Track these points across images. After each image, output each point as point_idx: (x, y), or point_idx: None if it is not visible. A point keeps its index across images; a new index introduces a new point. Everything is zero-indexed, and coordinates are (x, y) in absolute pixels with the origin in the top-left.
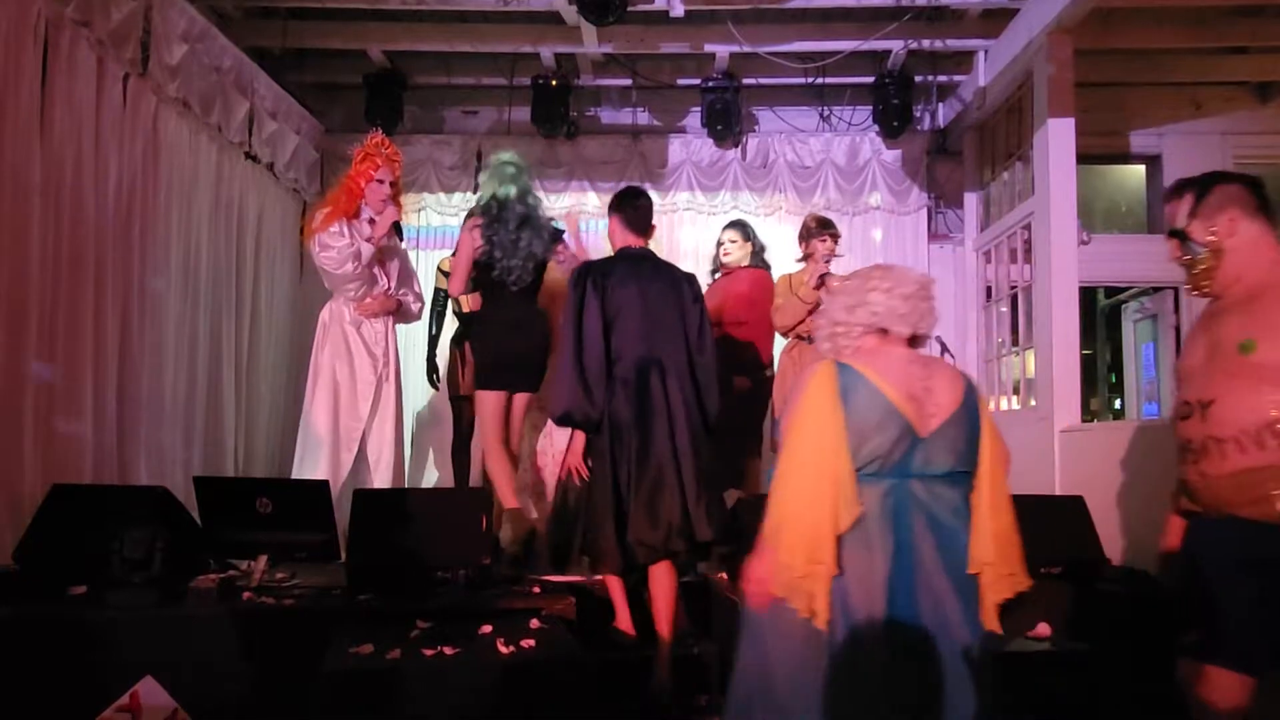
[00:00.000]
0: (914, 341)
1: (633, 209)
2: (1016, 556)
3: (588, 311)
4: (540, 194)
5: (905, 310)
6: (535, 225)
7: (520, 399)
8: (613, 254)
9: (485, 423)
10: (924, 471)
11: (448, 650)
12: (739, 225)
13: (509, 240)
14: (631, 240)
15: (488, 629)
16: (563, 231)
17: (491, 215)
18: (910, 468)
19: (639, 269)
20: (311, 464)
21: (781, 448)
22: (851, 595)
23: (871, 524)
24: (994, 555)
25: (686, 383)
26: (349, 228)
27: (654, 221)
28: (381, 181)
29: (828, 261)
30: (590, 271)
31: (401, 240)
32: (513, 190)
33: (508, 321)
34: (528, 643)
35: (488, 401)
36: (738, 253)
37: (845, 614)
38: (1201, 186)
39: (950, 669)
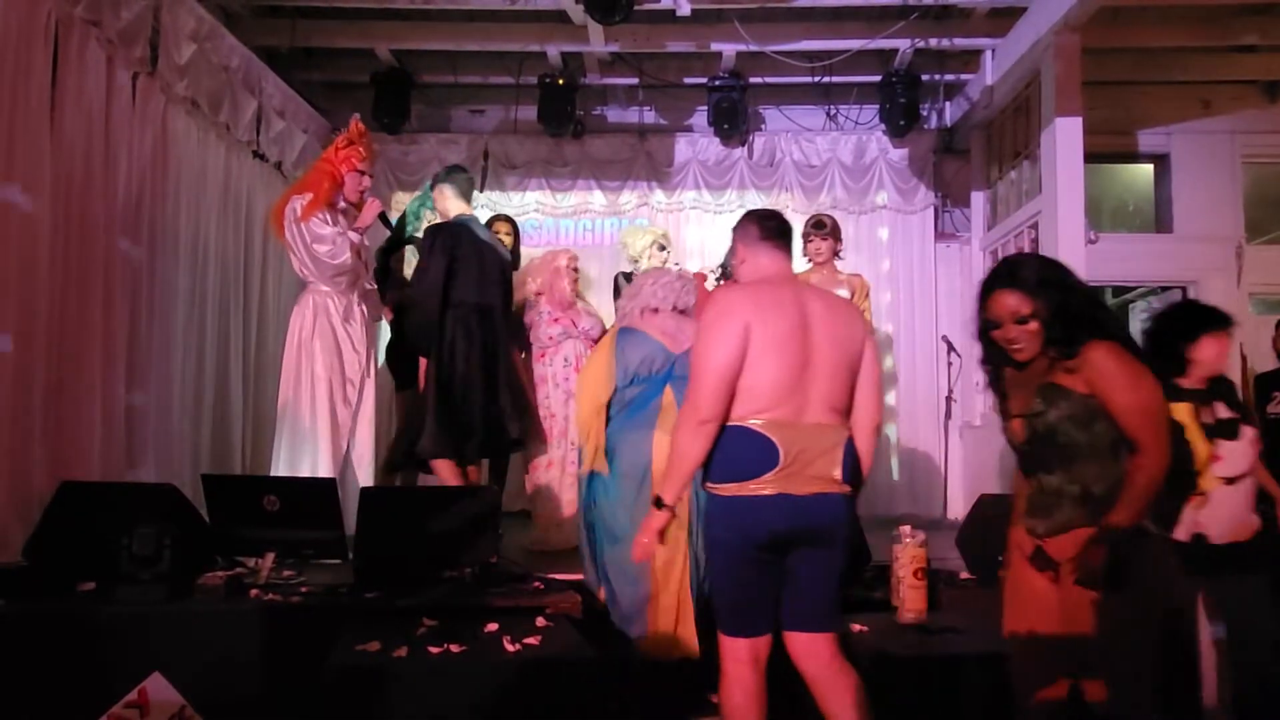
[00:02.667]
0: (684, 311)
1: (468, 180)
2: None
3: (435, 264)
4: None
5: (664, 295)
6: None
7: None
8: (450, 219)
9: None
10: (683, 374)
11: (454, 648)
12: None
13: None
14: (465, 209)
15: (493, 627)
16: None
17: None
18: (674, 372)
19: (475, 234)
20: (304, 459)
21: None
22: (627, 452)
23: (637, 408)
24: None
25: (503, 322)
26: (331, 216)
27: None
28: (363, 173)
29: (823, 261)
30: (440, 232)
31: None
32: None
33: None
34: (533, 640)
35: None
36: None
37: (624, 458)
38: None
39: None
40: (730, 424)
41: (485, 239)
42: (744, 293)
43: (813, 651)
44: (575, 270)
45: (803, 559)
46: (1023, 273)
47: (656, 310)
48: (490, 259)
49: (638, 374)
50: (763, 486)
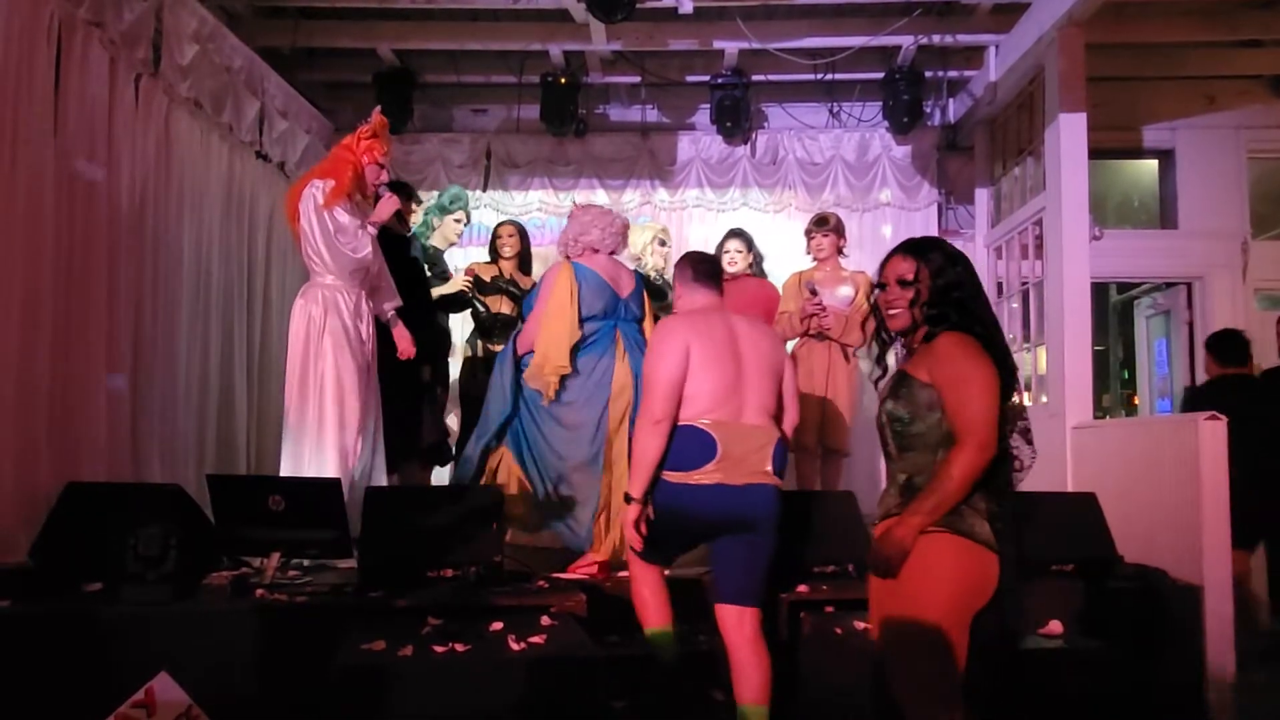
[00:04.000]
0: (613, 253)
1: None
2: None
3: None
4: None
5: (610, 241)
6: None
7: None
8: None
9: None
10: (625, 316)
11: (459, 647)
12: (742, 235)
13: None
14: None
15: (499, 626)
16: None
17: None
18: (619, 314)
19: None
20: (312, 458)
21: (540, 306)
22: (585, 381)
23: (600, 344)
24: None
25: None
26: (350, 208)
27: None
28: (382, 166)
29: (826, 258)
30: None
31: (408, 231)
32: None
33: None
34: (538, 639)
35: None
36: (742, 261)
37: (583, 389)
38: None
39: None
40: (680, 424)
41: (410, 254)
42: (683, 320)
43: (738, 625)
44: None
45: (735, 541)
46: (924, 244)
47: (597, 251)
48: (397, 271)
49: (594, 314)
50: (704, 477)
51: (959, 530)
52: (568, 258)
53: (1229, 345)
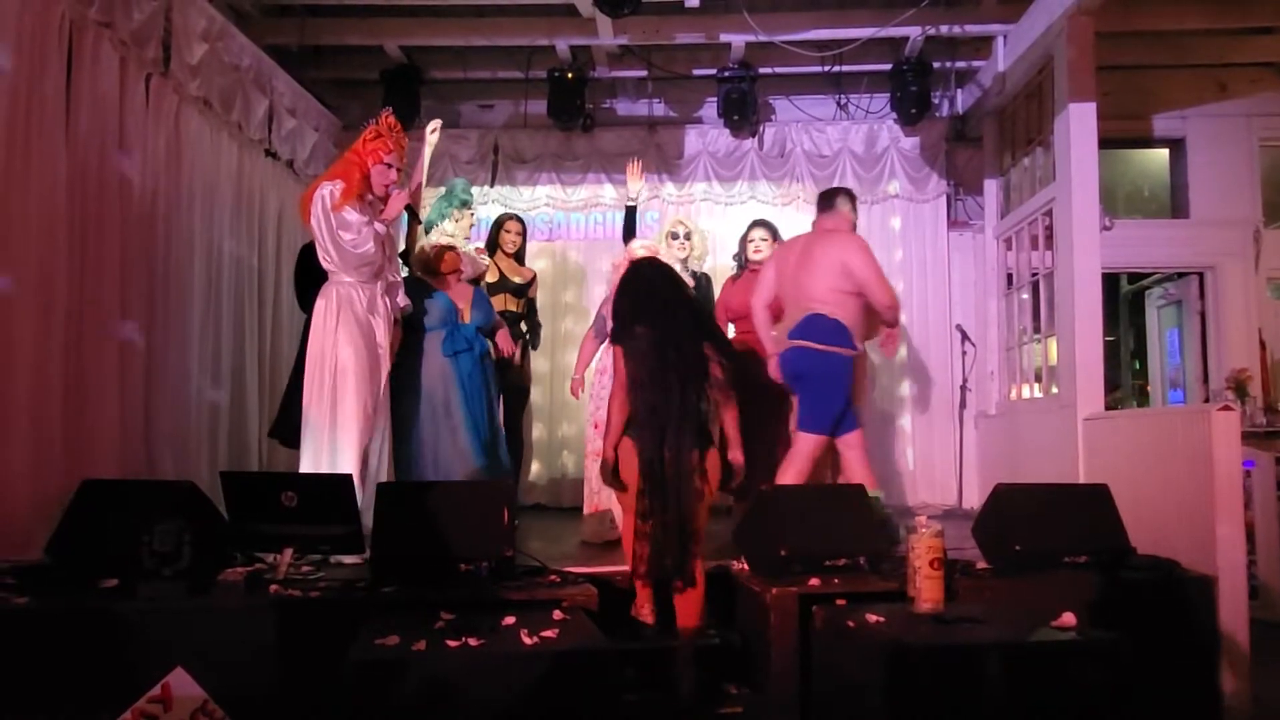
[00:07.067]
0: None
1: None
2: None
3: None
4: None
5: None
6: None
7: None
8: None
9: None
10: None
11: (472, 641)
12: (767, 225)
13: None
14: None
15: (511, 620)
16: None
17: None
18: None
19: None
20: (330, 453)
21: None
22: None
23: None
24: None
25: None
26: (359, 207)
27: None
28: (389, 166)
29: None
30: None
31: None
32: None
33: None
34: (550, 634)
35: None
36: (768, 250)
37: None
38: None
39: None
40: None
41: None
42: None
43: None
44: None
45: None
46: None
47: None
48: None
49: None
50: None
51: (627, 434)
52: None
53: None
